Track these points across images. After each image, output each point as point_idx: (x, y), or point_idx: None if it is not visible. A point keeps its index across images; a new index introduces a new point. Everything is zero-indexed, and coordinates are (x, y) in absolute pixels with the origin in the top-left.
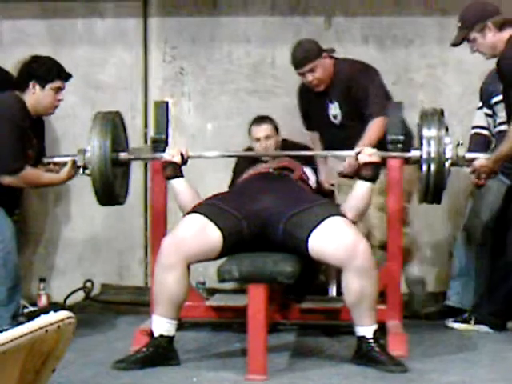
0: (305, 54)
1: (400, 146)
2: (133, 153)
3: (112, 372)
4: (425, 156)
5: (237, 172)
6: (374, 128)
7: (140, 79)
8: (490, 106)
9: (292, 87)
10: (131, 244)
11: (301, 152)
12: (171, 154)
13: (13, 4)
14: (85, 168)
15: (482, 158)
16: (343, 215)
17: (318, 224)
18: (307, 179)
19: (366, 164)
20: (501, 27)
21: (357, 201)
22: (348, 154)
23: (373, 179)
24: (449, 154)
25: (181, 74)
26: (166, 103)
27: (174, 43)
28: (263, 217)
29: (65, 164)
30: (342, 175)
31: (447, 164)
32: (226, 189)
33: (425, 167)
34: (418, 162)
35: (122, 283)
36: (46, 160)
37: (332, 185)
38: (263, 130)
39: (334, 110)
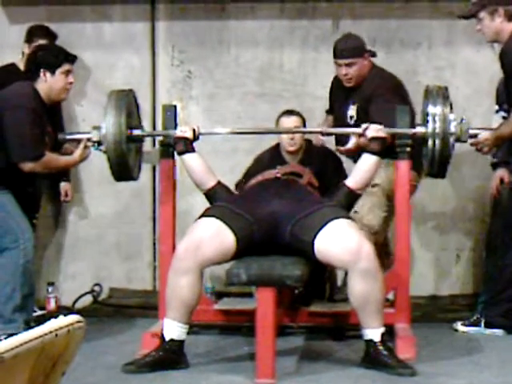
0: (349, 48)
1: (408, 149)
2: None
3: (121, 375)
4: (430, 131)
5: (249, 174)
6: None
7: (148, 83)
8: (506, 110)
9: (300, 91)
10: (139, 248)
11: (311, 129)
12: (183, 130)
13: (20, 9)
14: (99, 144)
15: (485, 132)
16: (349, 217)
17: (323, 226)
18: (316, 184)
19: (373, 138)
20: (510, 18)
21: (363, 173)
22: (356, 130)
23: (380, 153)
24: (453, 129)
25: (189, 77)
26: (174, 107)
27: (182, 47)
28: (272, 220)
29: (79, 142)
30: (342, 152)
31: (451, 139)
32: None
33: (430, 142)
34: (423, 137)
35: (130, 287)
36: (60, 136)
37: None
38: (292, 121)
39: (352, 111)
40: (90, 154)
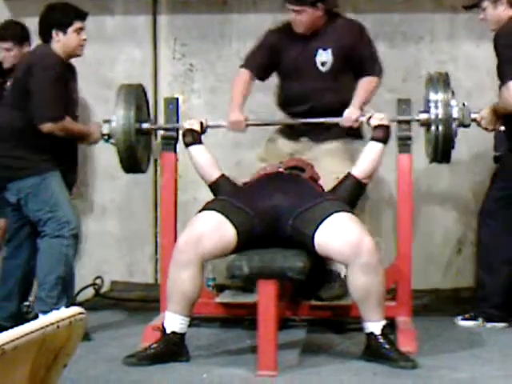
0: None
1: (409, 142)
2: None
3: (123, 368)
4: (433, 117)
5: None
6: (369, 87)
7: (150, 76)
8: None
9: None
10: (141, 241)
11: (321, 119)
12: (191, 123)
13: (22, 3)
14: (109, 137)
15: (486, 108)
16: (350, 211)
17: (324, 220)
18: (318, 178)
19: (377, 126)
20: None
21: (369, 161)
22: (361, 119)
23: (385, 140)
24: (455, 114)
25: (190, 71)
26: (176, 100)
27: (184, 40)
28: (273, 214)
29: None
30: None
31: (454, 124)
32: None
33: (433, 128)
34: (426, 124)
35: (131, 280)
36: None
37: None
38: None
39: (325, 56)
40: (100, 138)
